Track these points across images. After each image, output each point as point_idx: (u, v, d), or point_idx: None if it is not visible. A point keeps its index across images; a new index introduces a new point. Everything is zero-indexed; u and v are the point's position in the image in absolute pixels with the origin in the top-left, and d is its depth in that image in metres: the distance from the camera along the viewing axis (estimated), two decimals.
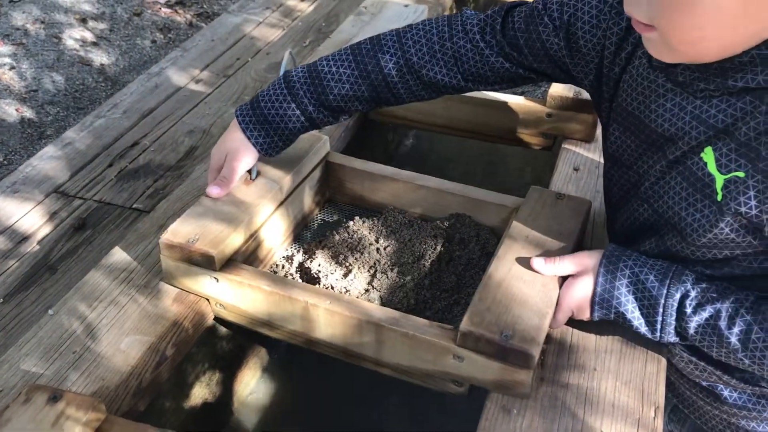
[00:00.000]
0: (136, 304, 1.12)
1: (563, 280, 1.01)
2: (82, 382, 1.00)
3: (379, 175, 1.31)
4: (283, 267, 1.22)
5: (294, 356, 1.70)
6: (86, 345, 1.05)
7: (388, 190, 1.31)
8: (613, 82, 1.00)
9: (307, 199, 1.31)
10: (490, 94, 1.65)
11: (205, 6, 4.07)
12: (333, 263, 1.18)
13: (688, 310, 0.90)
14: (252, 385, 1.60)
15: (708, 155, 0.85)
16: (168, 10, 3.96)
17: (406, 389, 1.58)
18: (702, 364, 1.00)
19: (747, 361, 0.88)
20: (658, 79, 0.91)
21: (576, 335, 1.05)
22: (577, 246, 1.10)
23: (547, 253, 1.03)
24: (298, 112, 1.12)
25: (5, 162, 2.77)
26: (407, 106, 1.73)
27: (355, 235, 1.23)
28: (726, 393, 1.01)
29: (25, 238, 1.40)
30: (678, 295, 0.90)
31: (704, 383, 1.03)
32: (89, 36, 3.59)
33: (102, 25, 3.69)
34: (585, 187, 1.38)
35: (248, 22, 2.26)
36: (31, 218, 1.45)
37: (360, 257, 1.19)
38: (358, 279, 1.16)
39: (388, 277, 1.16)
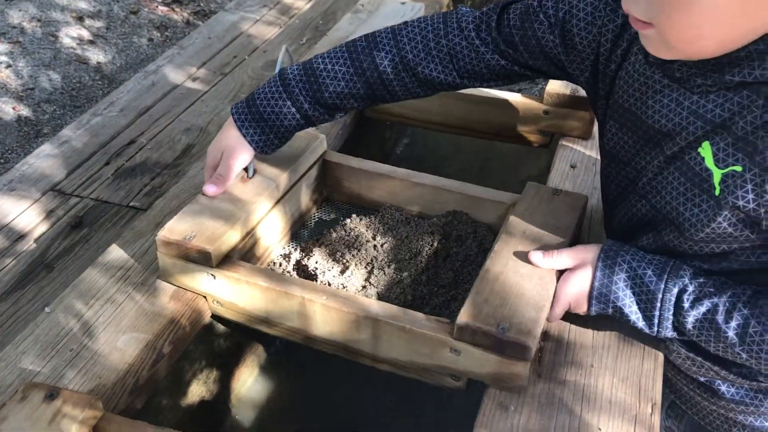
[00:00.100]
0: (133, 301, 1.12)
1: (560, 273, 1.01)
2: (78, 379, 1.00)
3: (376, 173, 1.31)
4: (280, 265, 1.22)
5: (291, 353, 1.70)
6: (83, 343, 1.05)
7: (385, 188, 1.31)
8: (608, 79, 1.00)
9: (304, 197, 1.31)
10: (487, 92, 1.65)
11: (201, 4, 4.06)
12: (330, 260, 1.18)
13: (686, 304, 0.90)
14: (249, 383, 1.60)
15: (705, 150, 0.85)
16: (165, 8, 3.95)
17: (404, 386, 1.58)
18: (699, 359, 1.00)
19: (744, 355, 0.88)
20: (654, 75, 0.91)
21: (573, 332, 1.05)
22: (574, 241, 1.10)
23: (545, 248, 1.03)
24: (293, 109, 1.12)
25: (2, 160, 2.77)
26: (404, 104, 1.73)
27: (352, 233, 1.23)
28: (723, 388, 1.01)
29: (21, 236, 1.39)
30: (676, 290, 0.91)
31: (702, 379, 1.03)
32: (86, 34, 3.58)
33: (99, 23, 3.69)
34: (582, 184, 1.39)
35: (245, 20, 2.25)
36: (28, 216, 1.44)
37: (357, 254, 1.19)
38: (355, 276, 1.16)
39: (385, 274, 1.16)
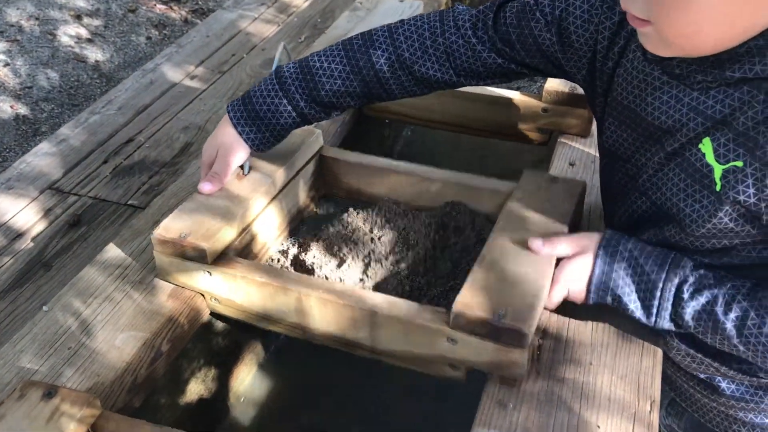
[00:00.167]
0: (131, 300, 1.12)
1: (559, 261, 1.00)
2: (77, 378, 0.99)
3: (374, 167, 1.30)
4: (278, 261, 1.22)
5: (289, 351, 1.69)
6: (81, 341, 1.05)
7: (382, 181, 1.30)
8: (606, 77, 1.00)
9: (302, 193, 1.31)
10: (486, 89, 1.64)
11: (200, 2, 4.06)
12: (327, 255, 1.18)
13: (686, 295, 0.89)
14: (248, 381, 1.60)
15: (706, 146, 0.85)
16: (163, 7, 3.95)
17: (405, 384, 1.58)
18: (699, 356, 1.00)
19: (741, 348, 0.88)
20: (653, 72, 0.91)
21: (572, 330, 1.05)
22: (574, 228, 1.09)
23: (543, 235, 1.03)
24: (289, 107, 1.12)
25: (0, 159, 2.76)
26: (402, 102, 1.73)
27: (349, 227, 1.23)
28: (724, 385, 1.01)
29: (19, 235, 1.39)
30: (677, 281, 0.90)
31: (702, 375, 1.03)
32: (84, 32, 3.58)
33: (97, 22, 3.68)
34: None
35: (243, 18, 2.25)
36: (26, 215, 1.44)
37: (354, 248, 1.19)
38: (353, 269, 1.16)
39: (382, 266, 1.15)
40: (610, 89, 1.01)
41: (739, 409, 1.02)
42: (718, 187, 0.84)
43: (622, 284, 0.93)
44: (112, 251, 1.22)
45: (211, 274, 1.09)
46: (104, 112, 1.76)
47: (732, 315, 0.87)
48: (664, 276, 0.91)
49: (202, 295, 1.14)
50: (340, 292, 1.03)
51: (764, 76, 0.79)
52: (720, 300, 0.88)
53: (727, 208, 0.84)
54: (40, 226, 1.41)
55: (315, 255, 1.18)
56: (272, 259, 1.23)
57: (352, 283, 1.14)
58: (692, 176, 0.87)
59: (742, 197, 0.82)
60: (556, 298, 0.99)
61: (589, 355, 1.01)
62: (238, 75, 1.92)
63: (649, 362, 1.00)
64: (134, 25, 3.73)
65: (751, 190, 0.81)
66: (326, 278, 1.14)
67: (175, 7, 3.96)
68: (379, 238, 1.21)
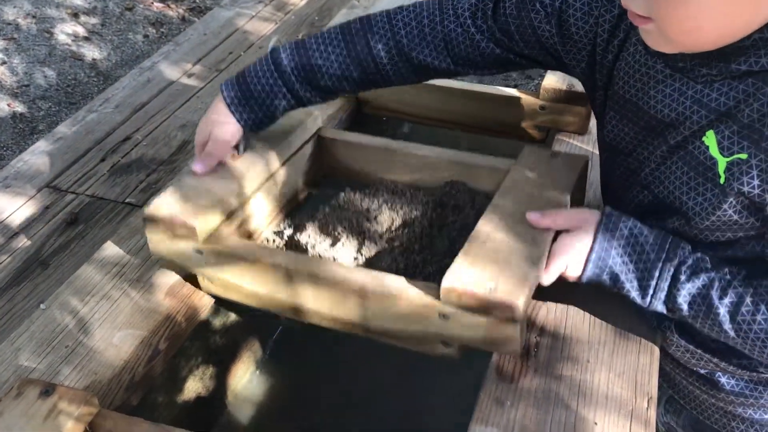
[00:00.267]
0: (128, 298, 1.12)
1: (556, 236, 0.98)
2: (74, 376, 0.99)
3: (372, 147, 1.28)
4: (273, 241, 1.20)
5: (287, 350, 1.69)
6: (78, 339, 1.05)
7: (381, 161, 1.28)
8: (606, 70, 1.00)
9: (299, 174, 1.29)
10: (484, 87, 1.64)
11: (197, 0, 4.06)
12: (322, 234, 1.16)
13: (683, 276, 0.89)
14: (246, 379, 1.60)
15: (710, 139, 0.85)
16: (160, 5, 3.94)
17: (405, 386, 1.58)
18: (699, 352, 1.00)
19: (732, 334, 0.87)
20: (656, 65, 0.91)
21: (569, 327, 1.05)
22: (577, 205, 1.08)
23: (543, 208, 1.01)
24: (284, 89, 1.10)
25: None
26: (400, 99, 1.73)
27: (345, 206, 1.21)
28: (723, 380, 1.01)
29: (17, 233, 1.39)
30: (676, 261, 0.89)
31: (702, 371, 1.03)
32: (81, 31, 3.57)
33: (94, 20, 3.68)
34: None
35: (241, 16, 2.25)
36: (23, 213, 1.44)
37: (349, 226, 1.17)
38: (347, 247, 1.14)
39: (377, 244, 1.13)
40: (610, 83, 1.00)
41: (739, 405, 1.02)
42: (722, 180, 0.84)
43: (621, 262, 0.92)
44: (110, 249, 1.21)
45: (201, 253, 1.07)
46: (101, 111, 1.76)
47: (727, 300, 0.86)
48: (664, 255, 0.90)
49: (198, 289, 1.14)
50: (330, 267, 1.01)
51: None
52: (716, 284, 0.87)
53: (731, 200, 0.84)
54: (38, 225, 1.41)
55: (309, 235, 1.16)
56: (267, 240, 1.21)
57: (345, 261, 1.12)
58: (695, 169, 0.87)
59: (746, 188, 0.82)
60: (553, 273, 0.96)
61: (587, 352, 1.01)
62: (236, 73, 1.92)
63: (646, 359, 1.00)
64: (131, 23, 3.73)
65: (756, 181, 0.81)
66: (320, 257, 1.12)
67: (173, 5, 3.96)
68: (375, 217, 1.19)
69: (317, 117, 1.30)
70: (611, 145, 1.03)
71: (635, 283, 0.92)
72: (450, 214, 1.18)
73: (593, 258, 0.93)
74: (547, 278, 0.97)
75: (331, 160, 1.33)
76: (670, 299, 0.91)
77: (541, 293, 1.05)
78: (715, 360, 0.99)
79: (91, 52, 3.45)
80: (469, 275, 0.92)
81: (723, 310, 0.87)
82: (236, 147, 1.17)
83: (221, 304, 1.29)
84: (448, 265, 1.04)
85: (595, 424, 0.91)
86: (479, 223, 1.01)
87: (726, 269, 0.89)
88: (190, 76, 1.91)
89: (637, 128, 0.96)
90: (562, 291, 1.03)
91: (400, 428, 1.57)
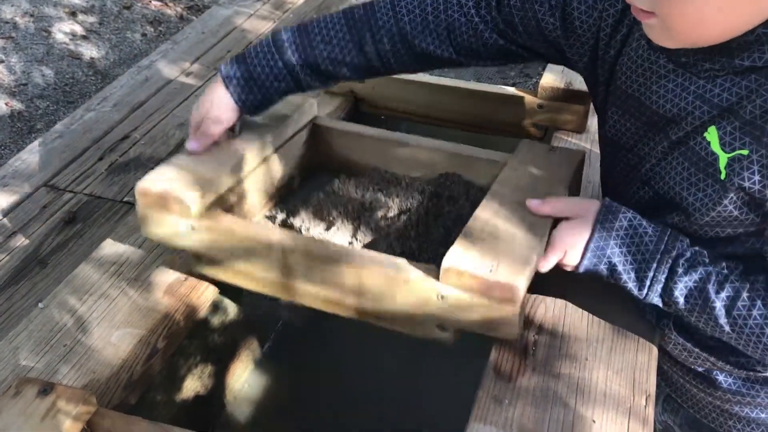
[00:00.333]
0: (126, 297, 1.12)
1: (555, 224, 0.98)
2: (72, 375, 0.99)
3: (367, 136, 1.28)
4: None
5: (285, 348, 1.70)
6: (77, 338, 1.05)
7: (376, 151, 1.27)
8: (608, 65, 1.00)
9: (293, 161, 1.28)
10: (482, 86, 1.65)
11: None
12: (316, 218, 1.15)
13: (680, 269, 0.89)
14: (244, 378, 1.60)
15: (712, 134, 0.85)
16: (158, 3, 3.94)
17: (405, 385, 1.58)
18: (696, 350, 1.00)
19: (727, 329, 0.87)
20: (659, 60, 0.91)
21: (567, 325, 1.05)
22: (572, 195, 1.08)
23: (541, 197, 1.00)
24: (285, 71, 1.09)
25: None
26: (398, 98, 1.73)
27: (340, 192, 1.20)
28: (721, 378, 1.01)
29: (15, 232, 1.39)
30: (674, 253, 0.89)
31: (699, 369, 1.03)
32: (79, 29, 3.57)
33: (91, 19, 3.67)
34: None
35: (239, 15, 2.25)
36: (21, 212, 1.44)
37: (344, 211, 1.16)
38: (342, 231, 1.13)
39: (372, 230, 1.12)
40: (612, 78, 1.00)
41: (735, 403, 1.03)
42: (722, 176, 0.84)
43: (619, 252, 0.91)
44: (108, 248, 1.21)
45: (194, 229, 1.05)
46: (99, 109, 1.76)
47: (723, 294, 0.86)
48: (662, 247, 0.90)
49: (192, 279, 1.12)
50: (326, 245, 1.00)
51: None
52: (713, 278, 0.87)
53: (732, 195, 0.84)
54: (36, 224, 1.41)
55: (303, 219, 1.15)
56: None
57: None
58: (696, 165, 0.87)
59: (747, 184, 0.82)
60: (551, 260, 0.96)
61: (585, 350, 1.01)
62: None
63: (644, 357, 1.00)
64: (129, 22, 3.72)
65: (756, 177, 0.81)
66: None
67: (171, 4, 3.96)
68: (370, 204, 1.18)
69: (313, 104, 1.29)
70: (612, 141, 1.02)
71: (632, 275, 0.92)
72: (445, 205, 1.17)
73: (592, 247, 0.93)
74: (545, 265, 0.96)
75: (326, 149, 1.32)
76: (667, 292, 0.90)
77: (540, 289, 1.05)
78: (713, 358, 0.99)
79: (89, 51, 3.45)
80: (470, 256, 0.92)
81: (719, 305, 0.87)
82: (232, 129, 1.15)
83: (216, 285, 1.27)
84: (443, 254, 1.02)
85: (594, 421, 0.91)
86: (479, 208, 1.01)
87: (723, 263, 0.89)
88: (188, 74, 1.91)
89: (639, 123, 0.96)
90: (560, 288, 1.04)
91: (400, 427, 1.57)
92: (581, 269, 0.95)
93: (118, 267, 1.17)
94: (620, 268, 0.92)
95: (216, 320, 1.40)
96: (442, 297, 0.94)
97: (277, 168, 1.24)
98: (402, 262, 0.97)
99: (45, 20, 3.54)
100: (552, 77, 1.54)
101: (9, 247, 1.35)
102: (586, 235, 0.93)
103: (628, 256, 0.91)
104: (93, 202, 1.47)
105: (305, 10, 2.26)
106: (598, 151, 1.12)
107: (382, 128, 1.32)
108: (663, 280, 0.90)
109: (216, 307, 1.38)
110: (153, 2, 3.93)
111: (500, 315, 0.92)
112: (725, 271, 0.88)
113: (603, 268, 0.93)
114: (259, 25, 2.18)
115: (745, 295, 0.85)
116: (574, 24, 1.00)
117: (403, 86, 1.72)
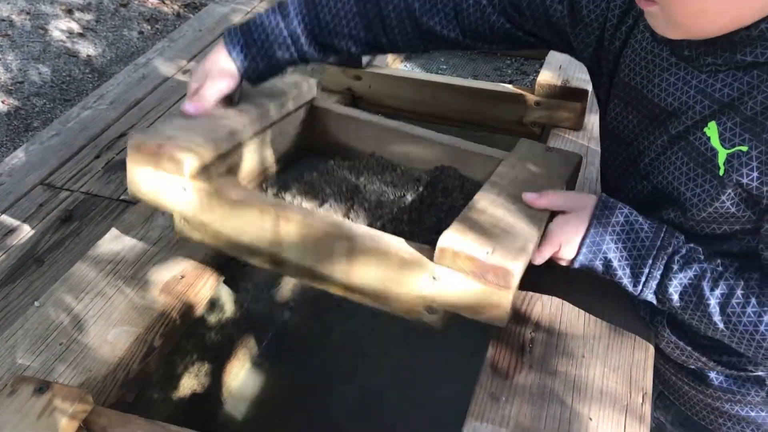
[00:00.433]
0: (123, 295, 1.11)
1: (552, 217, 0.98)
2: (69, 373, 0.99)
3: (365, 122, 1.27)
4: None
5: (282, 347, 1.70)
6: (73, 336, 1.05)
7: (372, 138, 1.26)
8: (612, 57, 0.99)
9: (288, 139, 1.27)
10: (480, 83, 1.65)
11: None
12: (309, 195, 1.14)
13: (675, 266, 0.89)
14: (241, 376, 1.60)
15: (711, 130, 0.85)
16: (155, 1, 3.93)
17: (403, 385, 1.59)
18: (689, 349, 1.00)
19: (721, 326, 0.87)
20: (662, 53, 0.91)
21: (564, 323, 1.05)
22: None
23: (537, 191, 1.00)
24: (289, 40, 1.08)
25: None
26: (397, 95, 1.73)
27: (334, 172, 1.19)
28: (713, 375, 1.01)
29: (11, 231, 1.39)
30: (670, 250, 0.89)
31: (691, 367, 1.03)
32: (75, 27, 3.56)
33: (88, 16, 3.67)
34: None
35: (236, 12, 2.24)
36: (18, 210, 1.44)
37: (338, 190, 1.15)
38: (334, 209, 1.11)
39: (365, 210, 1.11)
40: (616, 70, 1.00)
41: (726, 401, 1.03)
42: (721, 172, 0.84)
43: (614, 248, 0.91)
44: (104, 246, 1.21)
45: (186, 189, 1.03)
46: (96, 107, 1.75)
47: (717, 291, 0.86)
48: (658, 244, 0.90)
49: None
50: (320, 217, 0.99)
51: None
52: (708, 275, 0.87)
53: (730, 191, 0.84)
54: (32, 222, 1.41)
55: (295, 194, 1.13)
56: None
57: None
58: (695, 160, 0.87)
59: (745, 180, 0.82)
60: (546, 253, 0.96)
61: (582, 347, 1.01)
62: None
63: (641, 355, 1.00)
64: (126, 20, 3.72)
65: (755, 173, 0.81)
66: None
67: (167, 2, 3.95)
68: (364, 186, 1.16)
69: (314, 85, 1.28)
70: (613, 134, 1.02)
71: (628, 271, 0.92)
72: (439, 195, 1.17)
73: (587, 242, 0.92)
74: (540, 258, 0.96)
75: (323, 131, 1.30)
76: (661, 288, 0.90)
77: (536, 287, 1.05)
78: (704, 359, 1.00)
79: (86, 49, 3.44)
80: (466, 239, 0.91)
81: (713, 302, 0.87)
82: (230, 98, 1.14)
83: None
84: (435, 240, 0.99)
85: (590, 419, 0.91)
86: (476, 196, 1.00)
87: (718, 261, 0.89)
88: (185, 72, 1.91)
89: (640, 116, 0.96)
90: (557, 286, 1.04)
91: (398, 425, 1.57)
92: (576, 264, 0.95)
93: (115, 265, 1.17)
94: (615, 263, 0.92)
95: (213, 318, 1.40)
96: (435, 278, 0.93)
97: (273, 142, 1.22)
98: (398, 240, 0.96)
99: (42, 18, 3.54)
100: (549, 75, 1.54)
101: (5, 245, 1.35)
102: (582, 230, 0.93)
103: (624, 252, 0.91)
104: (89, 200, 1.46)
105: None
106: (595, 149, 1.12)
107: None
108: (658, 276, 0.90)
109: (213, 305, 1.38)
110: (150, 0, 3.92)
111: (492, 300, 0.91)
112: (720, 268, 0.88)
113: (598, 263, 0.93)
114: None
115: (739, 292, 0.85)
116: (582, 12, 0.99)
117: (400, 84, 1.72)
